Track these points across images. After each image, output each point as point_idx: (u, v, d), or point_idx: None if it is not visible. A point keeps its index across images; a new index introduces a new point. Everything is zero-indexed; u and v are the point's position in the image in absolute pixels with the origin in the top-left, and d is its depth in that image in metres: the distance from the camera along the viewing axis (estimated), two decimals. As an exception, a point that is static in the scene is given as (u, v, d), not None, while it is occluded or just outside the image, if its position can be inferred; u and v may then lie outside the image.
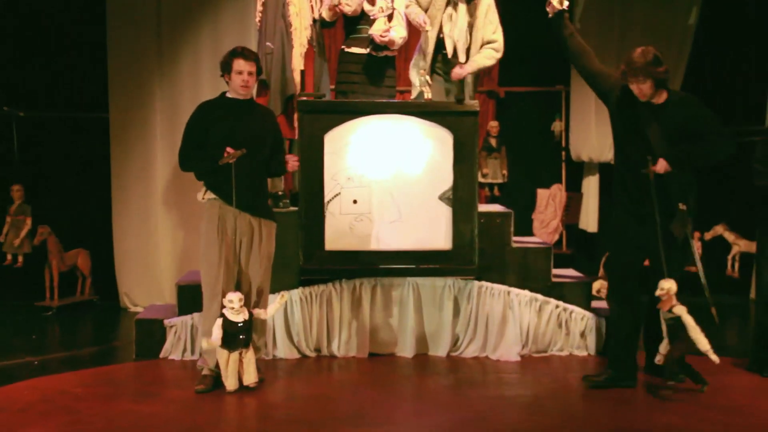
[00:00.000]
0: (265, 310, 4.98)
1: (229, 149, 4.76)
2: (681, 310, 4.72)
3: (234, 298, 4.74)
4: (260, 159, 4.97)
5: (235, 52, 4.92)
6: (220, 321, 4.75)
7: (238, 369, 4.84)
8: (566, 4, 5.14)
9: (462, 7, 5.80)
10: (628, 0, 7.98)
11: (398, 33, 5.96)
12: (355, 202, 5.64)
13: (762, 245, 5.32)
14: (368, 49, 6.04)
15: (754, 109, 7.84)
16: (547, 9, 5.15)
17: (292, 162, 5.18)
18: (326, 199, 5.60)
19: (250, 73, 4.91)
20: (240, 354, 4.82)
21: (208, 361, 4.98)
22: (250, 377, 4.87)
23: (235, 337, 4.76)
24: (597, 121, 8.02)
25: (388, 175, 5.66)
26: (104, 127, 7.54)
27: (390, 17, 5.99)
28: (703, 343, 4.70)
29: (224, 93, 5.06)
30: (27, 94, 7.82)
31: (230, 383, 4.80)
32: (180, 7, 7.42)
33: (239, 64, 4.88)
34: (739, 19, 8.06)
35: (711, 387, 4.83)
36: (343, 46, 6.21)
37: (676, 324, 4.74)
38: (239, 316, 4.77)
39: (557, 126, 8.31)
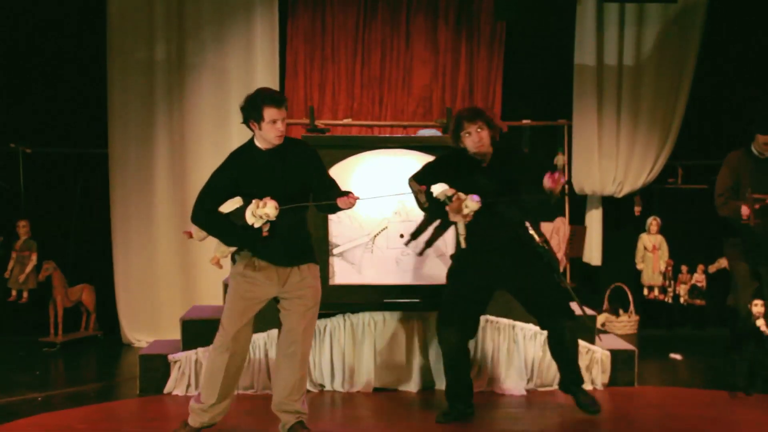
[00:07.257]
0: None
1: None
2: None
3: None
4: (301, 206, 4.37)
5: (264, 98, 4.22)
6: None
7: None
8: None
9: None
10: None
11: None
12: (401, 236, 5.65)
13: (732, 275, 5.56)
14: None
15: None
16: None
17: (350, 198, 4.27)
18: (373, 233, 5.63)
19: (283, 120, 4.25)
20: None
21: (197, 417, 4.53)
22: None
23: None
24: (600, 154, 8.07)
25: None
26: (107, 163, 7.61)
27: None
28: None
29: (252, 139, 4.38)
30: (33, 131, 7.87)
31: None
32: (182, 39, 7.57)
33: (271, 113, 4.21)
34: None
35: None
36: None
37: None
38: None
39: (560, 159, 8.31)
